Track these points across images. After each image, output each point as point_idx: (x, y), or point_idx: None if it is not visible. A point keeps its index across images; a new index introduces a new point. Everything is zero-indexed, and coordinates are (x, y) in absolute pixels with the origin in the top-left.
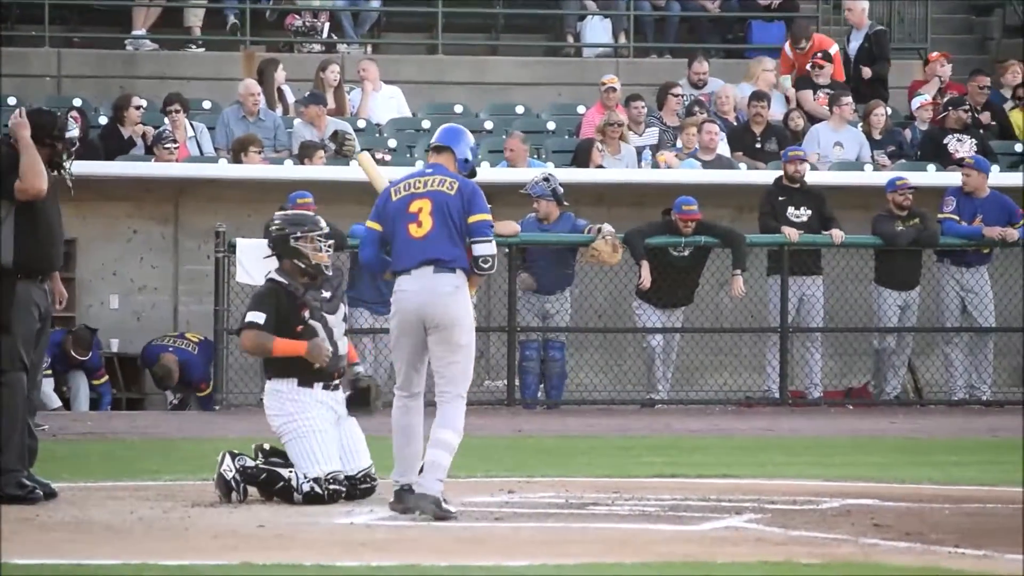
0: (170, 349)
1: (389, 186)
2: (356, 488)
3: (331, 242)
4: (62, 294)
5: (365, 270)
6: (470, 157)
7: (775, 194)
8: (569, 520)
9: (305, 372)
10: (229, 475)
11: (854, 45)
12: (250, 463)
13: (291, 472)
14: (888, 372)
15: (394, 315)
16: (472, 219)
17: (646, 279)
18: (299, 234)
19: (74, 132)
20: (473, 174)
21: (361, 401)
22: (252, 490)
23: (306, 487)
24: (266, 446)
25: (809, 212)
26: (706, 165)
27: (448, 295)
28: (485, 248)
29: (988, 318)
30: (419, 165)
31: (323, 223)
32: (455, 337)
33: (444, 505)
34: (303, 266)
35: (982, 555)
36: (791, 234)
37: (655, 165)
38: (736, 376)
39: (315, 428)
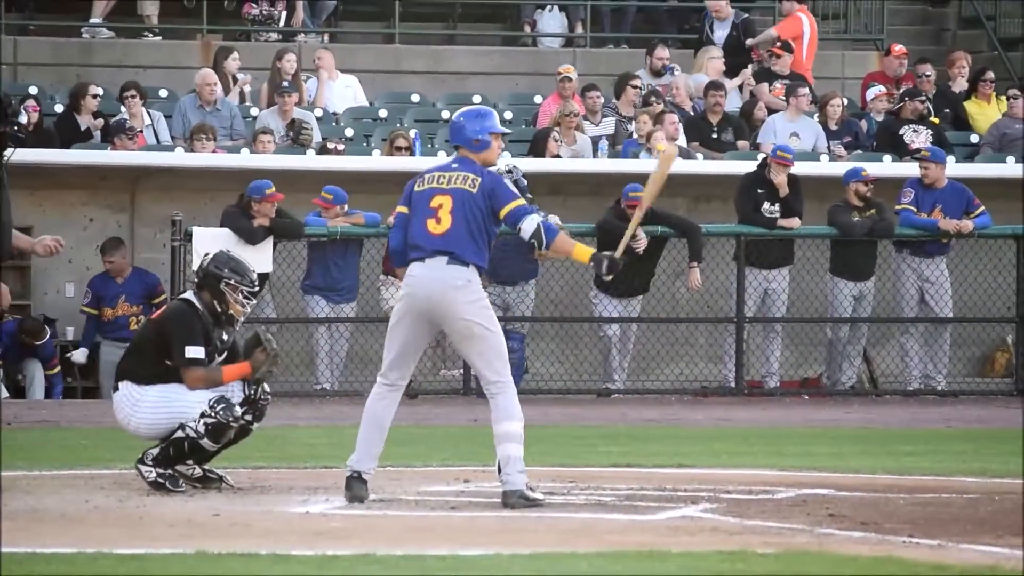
0: None
1: (415, 178)
2: (256, 404)
3: (254, 302)
4: (5, 297)
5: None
6: (479, 137)
7: (755, 185)
8: (524, 509)
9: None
10: (151, 477)
11: (720, 35)
12: (154, 451)
13: (184, 429)
14: (843, 362)
15: (401, 299)
16: (504, 212)
17: (642, 240)
18: (232, 282)
19: (24, 118)
20: (483, 146)
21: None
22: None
23: (201, 427)
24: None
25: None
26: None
27: (458, 288)
28: (528, 228)
29: (945, 308)
30: (376, 155)
31: (255, 278)
32: (470, 328)
33: (531, 494)
34: (219, 309)
35: (936, 545)
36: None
37: (631, 151)
38: (692, 366)
39: (165, 392)
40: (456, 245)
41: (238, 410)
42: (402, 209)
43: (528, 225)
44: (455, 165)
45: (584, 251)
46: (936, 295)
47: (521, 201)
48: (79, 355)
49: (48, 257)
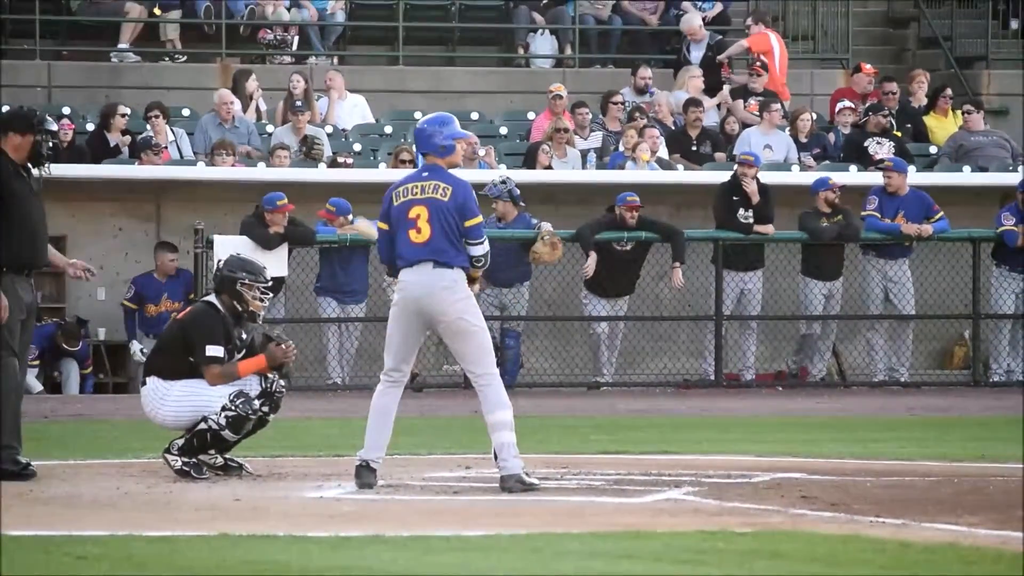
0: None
1: (391, 189)
2: (272, 397)
3: (271, 295)
4: (3, 309)
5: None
6: (445, 144)
7: (729, 193)
8: (522, 492)
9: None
10: (177, 466)
11: (696, 55)
12: (180, 441)
13: (207, 422)
14: (814, 356)
15: (396, 303)
16: (467, 224)
17: (590, 267)
18: (246, 280)
19: (54, 127)
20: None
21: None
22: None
23: (222, 419)
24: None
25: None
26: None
27: (446, 288)
28: (478, 249)
29: (908, 306)
30: (382, 167)
31: (268, 275)
32: (458, 325)
33: (527, 479)
34: (240, 308)
35: (901, 524)
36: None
37: (617, 163)
38: (675, 360)
39: (189, 387)
40: (438, 251)
41: (256, 403)
42: (383, 226)
43: (480, 249)
44: (425, 174)
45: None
46: (899, 294)
47: (480, 219)
48: (136, 350)
49: (75, 279)
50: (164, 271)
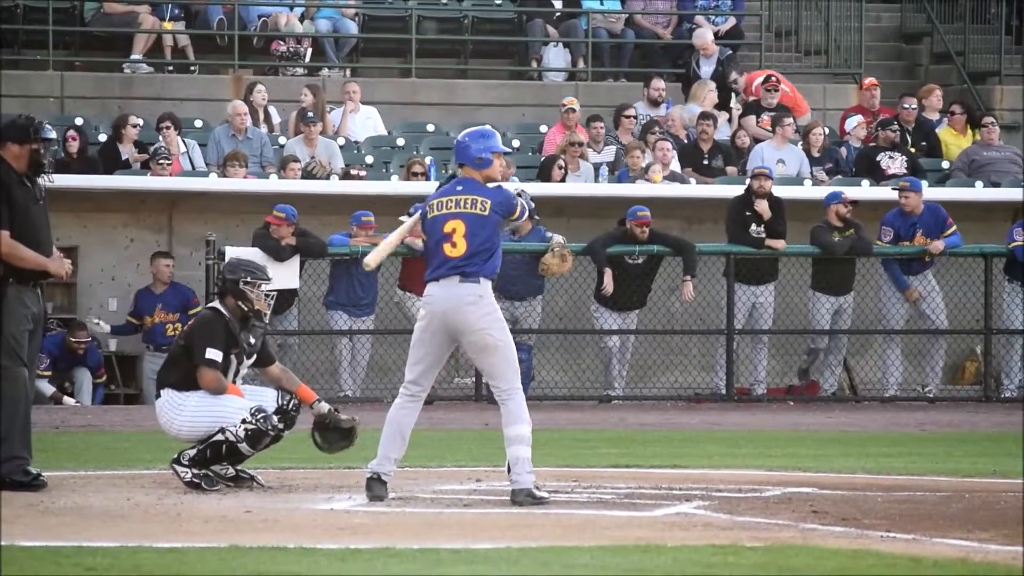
0: None
1: (424, 204)
2: (287, 414)
3: (274, 294)
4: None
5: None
6: (482, 156)
7: (742, 208)
8: (531, 506)
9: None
10: (187, 477)
11: (707, 70)
12: (191, 452)
13: (224, 433)
14: (825, 371)
15: (423, 317)
16: (513, 219)
17: (609, 285)
18: (248, 279)
19: (52, 134)
20: (485, 163)
21: (344, 438)
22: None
23: (241, 432)
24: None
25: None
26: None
27: (471, 304)
28: (521, 213)
29: (940, 316)
30: (394, 180)
31: (269, 273)
32: (483, 340)
33: (537, 493)
34: (244, 308)
35: (911, 539)
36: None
37: (628, 177)
38: (686, 374)
39: (206, 398)
40: (469, 265)
41: (275, 419)
42: (424, 238)
43: (521, 214)
44: (460, 188)
45: None
46: (929, 305)
47: (518, 209)
48: (102, 324)
49: (57, 276)
50: (160, 279)
